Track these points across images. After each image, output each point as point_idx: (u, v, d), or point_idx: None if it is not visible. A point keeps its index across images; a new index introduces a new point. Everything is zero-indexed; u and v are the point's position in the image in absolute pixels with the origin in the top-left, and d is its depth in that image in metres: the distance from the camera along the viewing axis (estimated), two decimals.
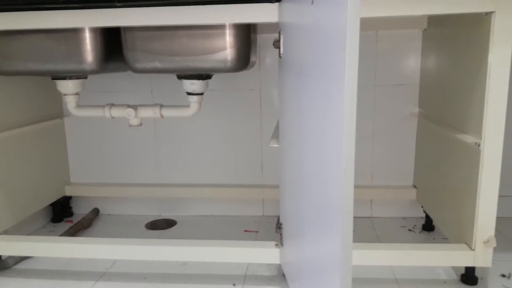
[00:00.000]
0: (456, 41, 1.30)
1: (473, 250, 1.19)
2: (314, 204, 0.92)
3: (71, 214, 1.89)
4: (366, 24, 1.63)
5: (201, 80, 1.37)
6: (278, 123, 1.30)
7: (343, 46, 0.70)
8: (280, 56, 1.13)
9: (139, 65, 1.28)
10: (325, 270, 0.85)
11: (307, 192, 0.96)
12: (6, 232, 1.49)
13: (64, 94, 1.43)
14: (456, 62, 1.30)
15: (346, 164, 0.74)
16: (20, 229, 1.61)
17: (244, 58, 1.28)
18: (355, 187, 1.73)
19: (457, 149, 1.29)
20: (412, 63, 1.67)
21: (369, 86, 1.70)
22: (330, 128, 0.79)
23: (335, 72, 0.74)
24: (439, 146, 1.45)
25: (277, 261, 1.24)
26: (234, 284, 1.30)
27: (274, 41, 1.11)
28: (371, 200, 1.81)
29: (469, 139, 1.18)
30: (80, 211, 1.90)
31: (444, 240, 1.56)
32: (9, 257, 1.42)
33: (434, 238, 1.60)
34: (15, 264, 1.44)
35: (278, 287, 1.28)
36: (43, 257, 1.48)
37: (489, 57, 1.07)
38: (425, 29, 1.61)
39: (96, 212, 1.87)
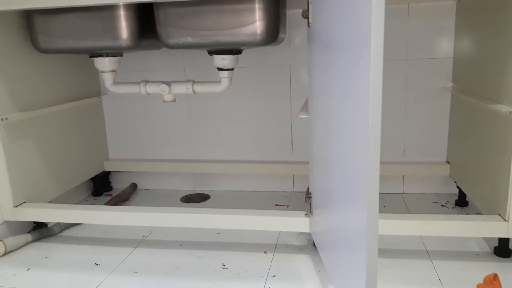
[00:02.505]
0: (491, 11, 1.26)
1: (506, 221, 1.17)
2: (341, 175, 0.93)
3: (110, 188, 1.98)
4: None
5: (231, 55, 1.39)
6: (307, 98, 1.31)
7: (369, 13, 0.70)
8: (308, 26, 1.14)
9: (171, 41, 1.32)
10: (353, 239, 0.87)
11: (335, 163, 0.98)
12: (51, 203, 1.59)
13: (101, 71, 1.49)
14: (491, 32, 1.27)
15: (372, 136, 0.76)
16: (63, 202, 1.71)
17: (273, 31, 1.29)
18: (387, 163, 1.74)
19: (491, 120, 1.27)
20: (446, 36, 1.63)
21: (401, 60, 1.68)
22: (356, 98, 0.80)
23: (361, 40, 0.75)
24: (473, 119, 1.42)
25: (307, 230, 1.27)
26: (265, 252, 1.34)
27: (303, 11, 1.12)
28: (403, 176, 1.80)
29: (503, 108, 1.16)
30: (119, 185, 2.00)
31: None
32: (55, 224, 1.52)
33: (467, 213, 1.58)
34: (61, 231, 1.53)
35: (308, 255, 1.31)
36: (86, 225, 1.58)
37: None
38: (459, 1, 1.57)
39: (134, 186, 1.95)
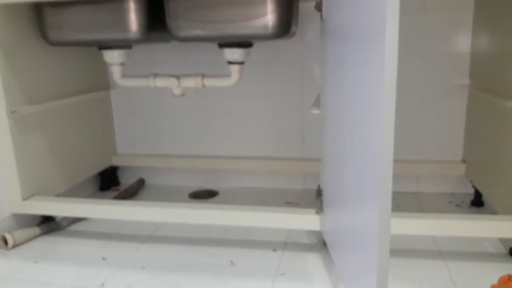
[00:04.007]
0: (510, 6, 1.22)
1: None
2: (353, 172, 0.91)
3: (118, 183, 1.97)
4: None
5: (241, 49, 1.37)
6: (319, 93, 1.29)
7: (384, 6, 0.68)
8: (322, 19, 1.11)
9: (181, 33, 1.30)
10: (364, 238, 0.85)
11: (347, 159, 0.95)
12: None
13: (110, 64, 1.48)
14: (510, 28, 1.23)
15: (385, 132, 0.73)
16: (71, 196, 1.70)
17: (285, 24, 1.26)
18: (401, 161, 1.70)
19: (508, 117, 1.23)
20: (463, 31, 1.59)
21: (416, 56, 1.64)
22: (370, 93, 0.77)
23: (376, 33, 0.72)
24: (490, 116, 1.38)
25: (317, 228, 1.25)
26: (274, 250, 1.32)
27: (316, 3, 1.10)
28: (418, 175, 1.77)
29: None
30: (127, 180, 1.98)
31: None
32: (63, 219, 1.52)
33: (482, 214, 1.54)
34: (68, 225, 1.53)
35: (318, 254, 1.28)
36: (94, 219, 1.56)
37: None
38: None
39: (141, 181, 1.94)
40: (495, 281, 1.09)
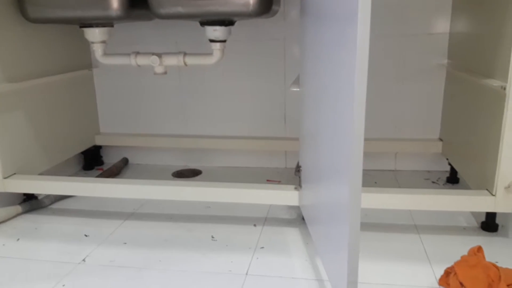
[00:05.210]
0: None
1: (494, 195, 1.18)
2: (328, 148, 0.93)
3: (101, 163, 1.97)
4: None
5: (223, 27, 1.37)
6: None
7: None
8: None
9: (162, 10, 1.29)
10: (337, 212, 0.88)
11: (322, 136, 0.98)
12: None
13: (92, 42, 1.47)
14: (486, 9, 1.25)
15: (356, 109, 0.74)
16: (53, 175, 1.70)
17: (266, 2, 1.27)
18: (379, 139, 1.73)
19: (483, 95, 1.26)
20: (443, 12, 1.61)
21: (396, 36, 1.66)
22: (342, 70, 0.79)
23: (349, 11, 0.73)
24: (466, 95, 1.42)
25: (296, 203, 1.28)
26: (255, 225, 1.35)
27: None
28: (396, 153, 1.81)
29: (495, 83, 1.15)
30: (110, 160, 1.99)
31: None
32: (46, 197, 1.52)
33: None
34: (51, 204, 1.53)
35: (297, 228, 1.32)
36: (77, 198, 1.57)
37: None
38: None
39: (125, 161, 1.94)
40: (466, 253, 1.13)
